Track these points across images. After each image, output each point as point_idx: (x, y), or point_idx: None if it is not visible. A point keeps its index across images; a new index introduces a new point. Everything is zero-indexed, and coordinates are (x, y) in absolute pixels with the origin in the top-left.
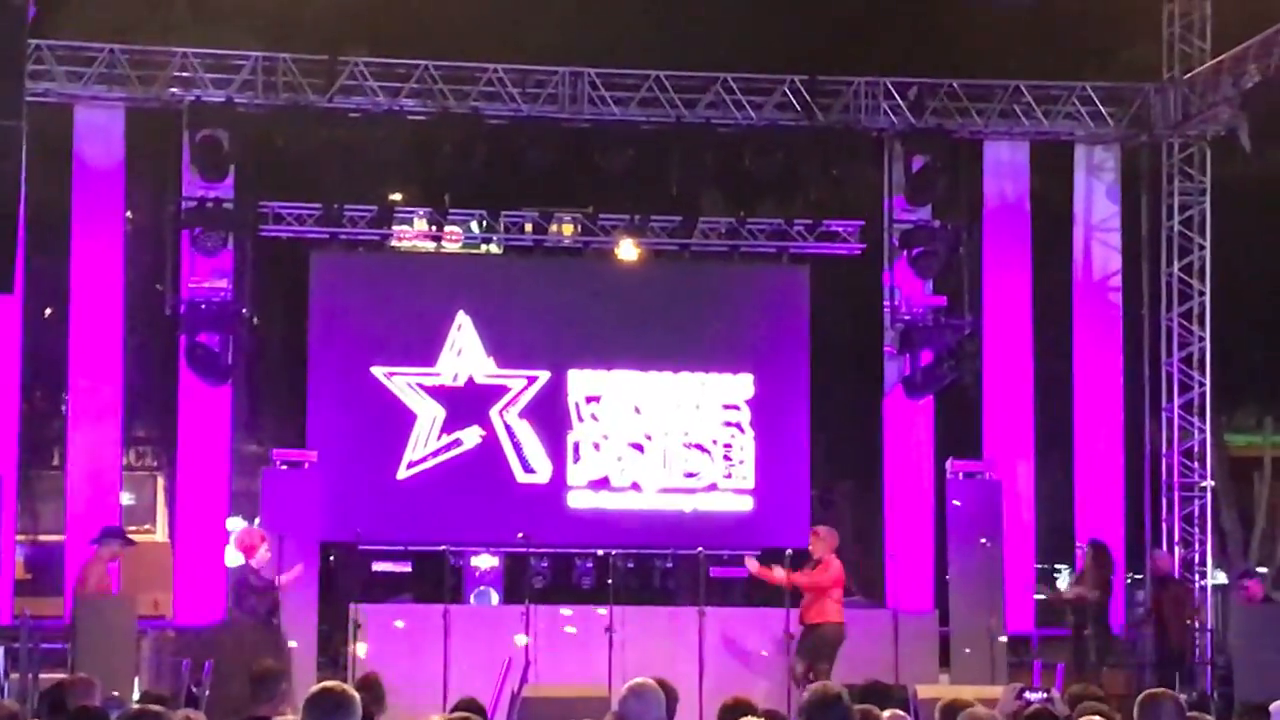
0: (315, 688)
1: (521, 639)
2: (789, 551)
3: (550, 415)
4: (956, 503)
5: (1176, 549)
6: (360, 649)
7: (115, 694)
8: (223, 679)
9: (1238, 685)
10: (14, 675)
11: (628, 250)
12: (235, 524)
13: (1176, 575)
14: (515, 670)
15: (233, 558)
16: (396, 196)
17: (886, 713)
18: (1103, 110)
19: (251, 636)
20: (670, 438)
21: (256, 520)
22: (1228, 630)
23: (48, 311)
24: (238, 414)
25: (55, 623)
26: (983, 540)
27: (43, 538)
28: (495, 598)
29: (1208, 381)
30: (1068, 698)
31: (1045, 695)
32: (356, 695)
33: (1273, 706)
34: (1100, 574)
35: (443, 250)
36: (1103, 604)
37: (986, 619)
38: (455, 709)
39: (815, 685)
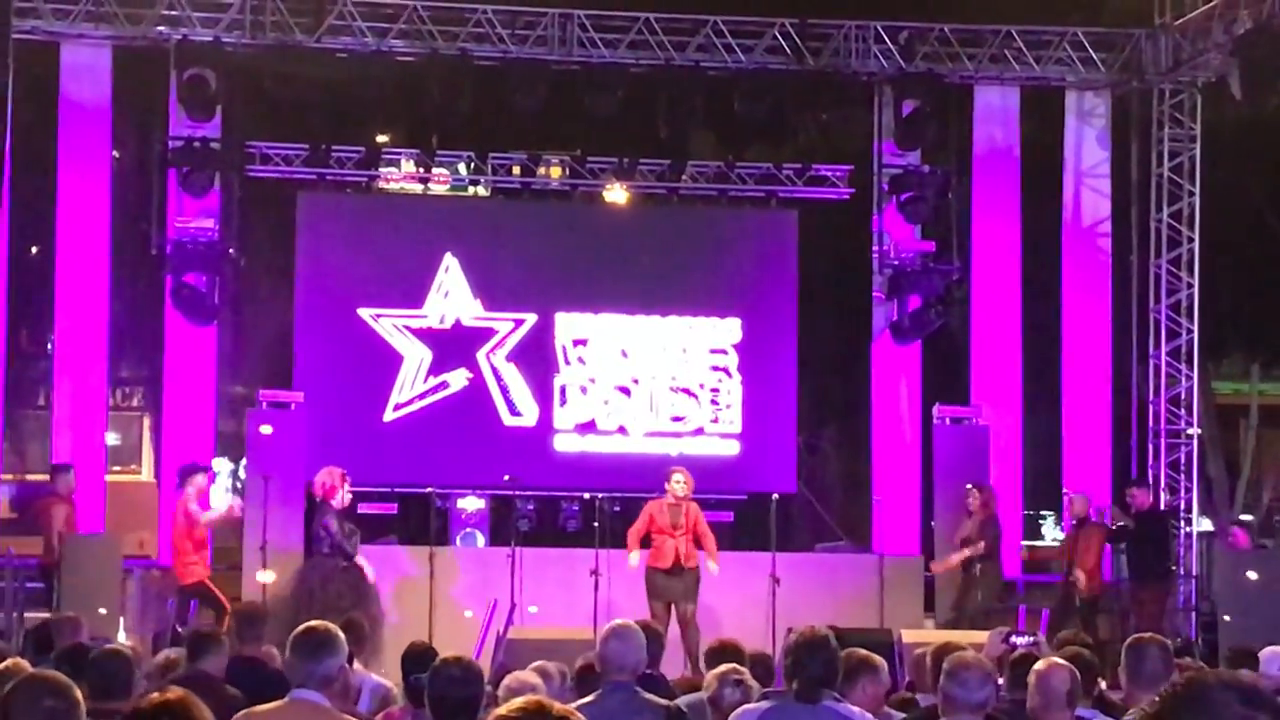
0: (299, 627)
1: None
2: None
3: (537, 358)
4: None
5: (1163, 495)
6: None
7: (114, 643)
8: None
9: (1222, 631)
10: None
11: (616, 193)
12: (221, 465)
13: (1157, 509)
14: (501, 612)
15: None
16: (384, 138)
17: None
18: (1094, 56)
19: (335, 578)
20: (657, 381)
21: (242, 462)
22: (1212, 577)
23: (33, 250)
24: (223, 354)
25: (40, 562)
26: (969, 486)
27: (28, 477)
28: (481, 540)
29: (1195, 328)
30: (1055, 643)
31: (1032, 640)
32: (341, 634)
33: (1263, 653)
34: (985, 517)
35: (430, 192)
36: (993, 548)
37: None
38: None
39: (802, 627)
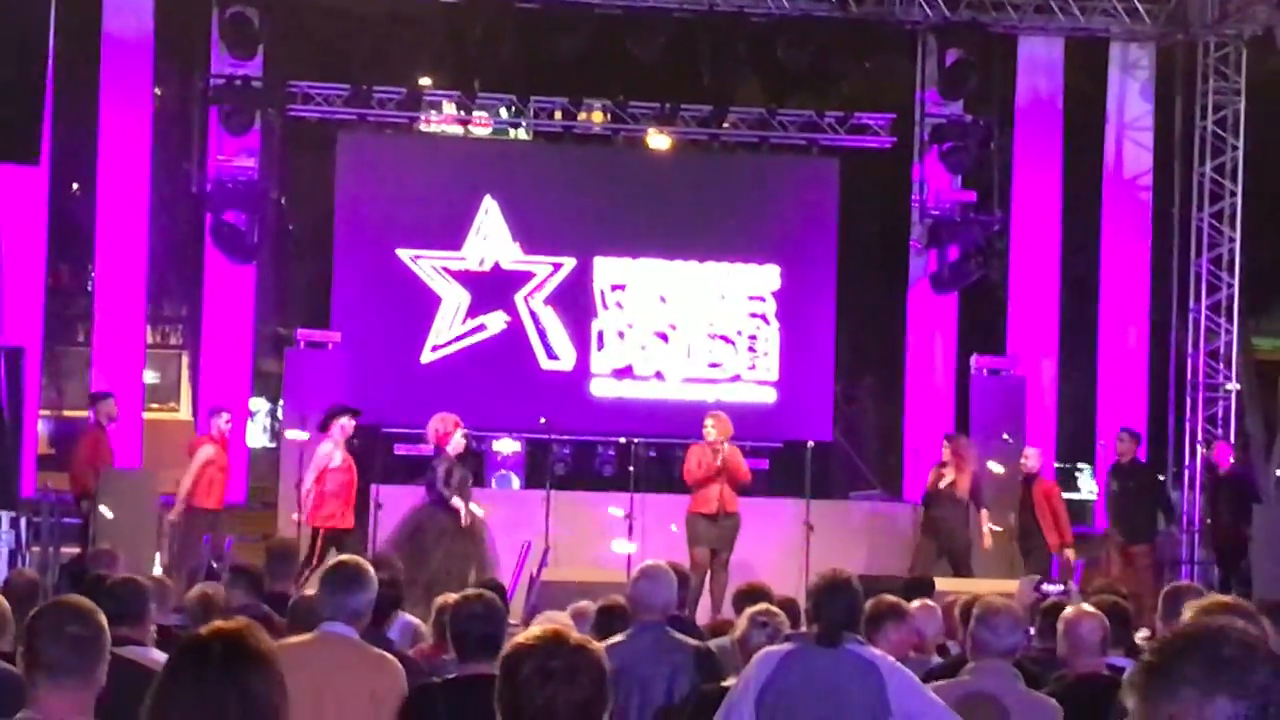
0: (331, 560)
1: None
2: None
3: (575, 303)
4: None
5: (1200, 449)
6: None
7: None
8: (418, 563)
9: (1256, 584)
10: (35, 548)
11: (657, 139)
12: (259, 404)
13: (1228, 470)
14: (534, 554)
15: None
16: (426, 80)
17: (915, 602)
18: (1139, 7)
19: (434, 523)
20: (695, 328)
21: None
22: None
23: (75, 186)
24: (262, 294)
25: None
26: (1005, 436)
27: (67, 413)
28: (516, 482)
29: (1236, 283)
30: (1090, 591)
31: (1063, 588)
32: (372, 570)
33: None
34: (961, 465)
35: (471, 135)
36: (976, 493)
37: (1006, 515)
38: (480, 584)
39: (826, 570)
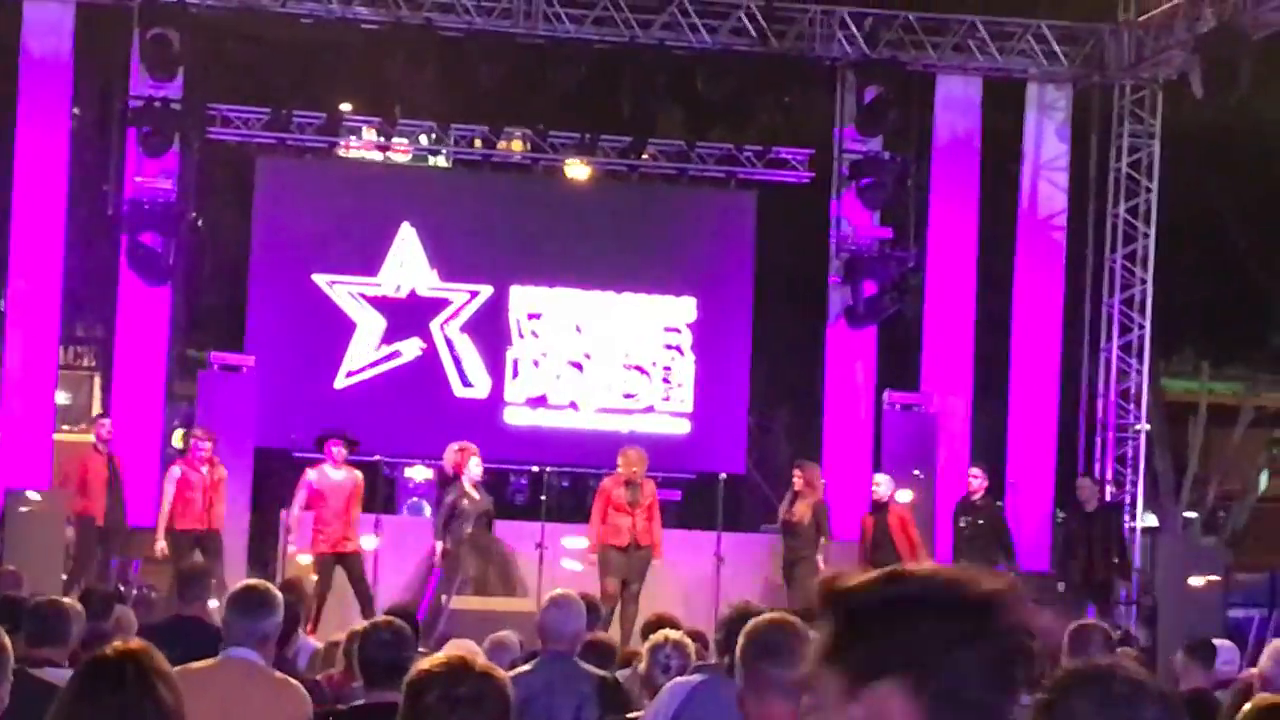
0: (238, 585)
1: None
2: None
3: (491, 330)
4: None
5: (1109, 489)
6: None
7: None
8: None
9: (1161, 623)
10: None
11: (577, 169)
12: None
13: (1096, 507)
14: (443, 582)
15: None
16: (346, 105)
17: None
18: (1057, 49)
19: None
20: (610, 358)
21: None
22: (1155, 570)
23: None
24: (177, 316)
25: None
26: (915, 472)
27: None
28: (428, 510)
29: (1148, 324)
30: None
31: None
32: (279, 594)
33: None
34: (816, 500)
35: (390, 161)
36: (820, 521)
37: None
38: (388, 613)
39: (737, 602)
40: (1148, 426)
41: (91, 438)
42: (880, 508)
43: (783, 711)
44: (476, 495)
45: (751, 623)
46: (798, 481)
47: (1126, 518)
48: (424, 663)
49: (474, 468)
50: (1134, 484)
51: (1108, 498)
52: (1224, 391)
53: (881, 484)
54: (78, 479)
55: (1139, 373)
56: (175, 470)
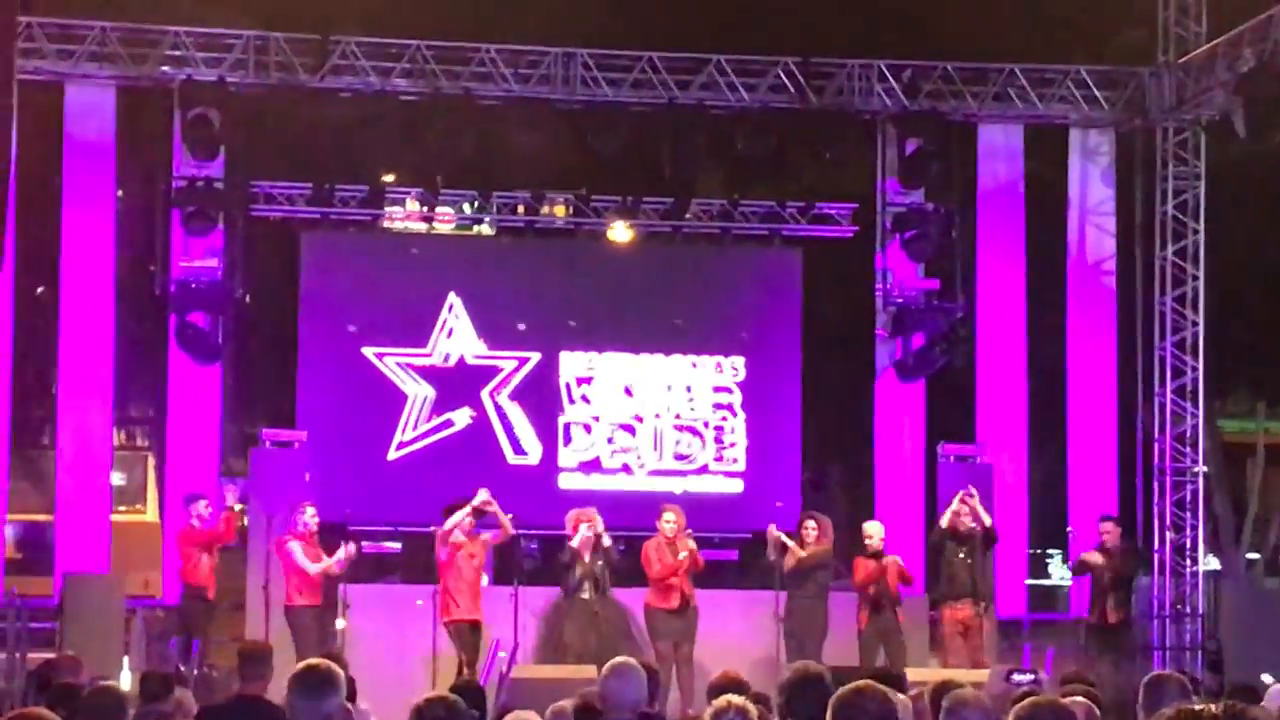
0: (300, 664)
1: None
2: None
3: (541, 397)
4: None
5: (1169, 534)
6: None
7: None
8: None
9: (1227, 665)
10: (1, 654)
11: (620, 232)
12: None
13: (1109, 550)
14: (504, 651)
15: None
16: (388, 177)
17: (902, 695)
18: (1097, 94)
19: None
20: (661, 419)
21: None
22: (1219, 616)
23: (39, 290)
24: (227, 394)
25: (44, 602)
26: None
27: (33, 517)
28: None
29: (1200, 366)
30: (1059, 680)
31: (1033, 677)
32: (341, 672)
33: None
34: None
35: (434, 231)
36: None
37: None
38: (453, 689)
39: (797, 664)
40: (1205, 469)
41: (148, 517)
42: (877, 557)
43: None
44: (586, 559)
45: (838, 693)
46: (809, 534)
47: (1189, 562)
48: None
49: (583, 531)
50: (1194, 528)
51: (1167, 542)
52: None
53: (874, 536)
54: (188, 558)
55: (1194, 415)
56: (296, 545)
